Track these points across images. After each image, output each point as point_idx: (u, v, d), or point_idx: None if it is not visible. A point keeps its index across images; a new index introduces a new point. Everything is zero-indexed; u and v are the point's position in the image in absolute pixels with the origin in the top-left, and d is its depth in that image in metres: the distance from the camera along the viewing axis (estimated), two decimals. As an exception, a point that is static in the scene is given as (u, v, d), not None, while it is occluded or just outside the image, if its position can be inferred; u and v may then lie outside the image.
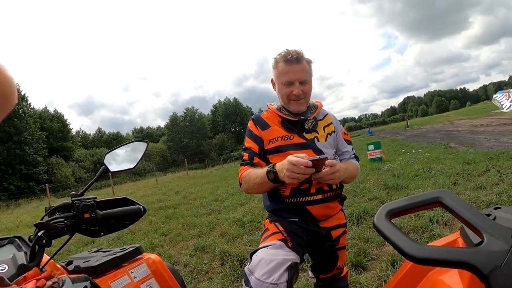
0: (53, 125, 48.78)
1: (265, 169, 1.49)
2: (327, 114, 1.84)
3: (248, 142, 1.74)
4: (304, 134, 1.69)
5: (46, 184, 21.27)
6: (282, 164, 1.38)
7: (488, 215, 0.77)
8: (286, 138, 1.66)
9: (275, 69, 1.71)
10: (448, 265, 0.55)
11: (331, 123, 1.80)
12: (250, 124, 1.78)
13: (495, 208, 0.83)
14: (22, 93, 42.66)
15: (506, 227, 0.59)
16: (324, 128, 1.75)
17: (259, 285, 1.28)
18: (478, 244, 0.59)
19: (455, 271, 0.76)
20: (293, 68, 1.63)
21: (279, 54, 1.70)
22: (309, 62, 1.70)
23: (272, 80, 1.78)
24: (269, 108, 1.80)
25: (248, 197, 8.14)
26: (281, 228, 1.59)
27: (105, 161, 1.28)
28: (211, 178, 18.78)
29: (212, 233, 5.44)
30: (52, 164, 42.88)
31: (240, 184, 1.70)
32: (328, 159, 1.40)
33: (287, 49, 1.68)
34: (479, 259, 0.53)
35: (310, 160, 1.28)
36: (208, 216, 7.04)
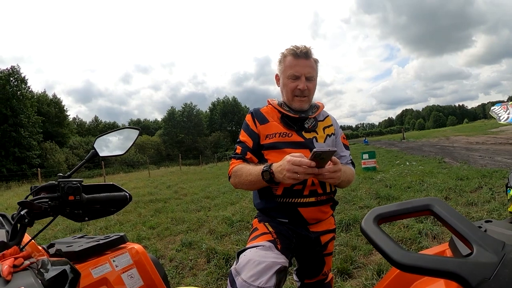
0: (50, 110, 48.77)
1: (260, 167, 1.45)
2: (328, 116, 1.81)
3: (243, 136, 1.69)
4: (303, 133, 1.65)
5: (38, 169, 21.09)
6: (281, 165, 1.33)
7: (479, 227, 0.76)
8: (284, 135, 1.62)
9: (281, 63, 1.68)
10: (435, 275, 0.54)
11: (331, 125, 1.77)
12: (248, 118, 1.73)
13: (486, 221, 0.82)
14: (22, 75, 42.49)
15: (497, 239, 0.58)
16: (324, 129, 1.72)
17: (246, 287, 1.24)
18: (467, 255, 0.58)
19: (441, 282, 0.75)
20: (301, 63, 1.61)
21: (287, 49, 1.67)
22: (316, 61, 1.68)
23: (276, 76, 1.75)
24: (269, 103, 1.76)
25: (238, 196, 8.14)
26: (270, 229, 1.55)
27: (95, 145, 1.26)
28: (204, 175, 18.75)
29: (200, 230, 5.42)
30: (46, 149, 42.72)
31: (229, 177, 1.66)
32: (334, 154, 1.35)
33: (295, 45, 1.65)
34: (468, 270, 0.51)
35: (318, 152, 1.22)
36: (197, 212, 7.03)
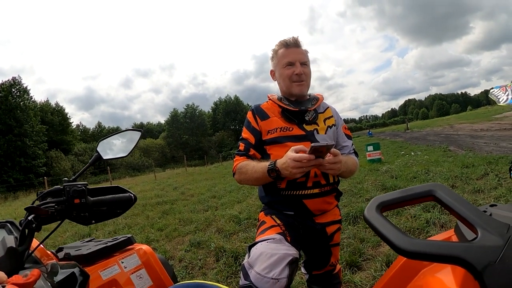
0: (54, 119, 49.11)
1: (265, 165, 1.49)
2: (328, 107, 1.83)
3: (245, 133, 1.73)
4: (304, 125, 1.67)
5: (45, 177, 21.18)
6: (285, 163, 1.36)
7: (484, 211, 0.76)
8: (285, 130, 1.65)
9: (274, 58, 1.76)
10: (440, 260, 0.54)
11: (332, 116, 1.79)
12: (249, 115, 1.77)
13: (491, 206, 0.82)
14: (24, 85, 42.78)
15: (501, 222, 0.58)
16: (324, 120, 1.74)
17: (259, 279, 1.26)
18: (472, 240, 0.57)
19: (448, 268, 0.74)
20: (293, 51, 1.70)
21: (276, 44, 1.76)
22: (306, 50, 1.75)
23: (271, 71, 1.81)
24: (269, 99, 1.79)
25: (245, 194, 8.17)
26: (278, 221, 1.57)
27: (98, 149, 1.27)
28: (209, 175, 18.76)
29: (208, 229, 5.43)
30: (52, 158, 43.01)
31: (234, 174, 1.70)
32: (333, 147, 1.38)
33: (283, 39, 1.73)
34: (473, 254, 0.51)
35: (316, 146, 1.26)
36: (205, 212, 7.03)
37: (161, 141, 66.87)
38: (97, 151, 1.26)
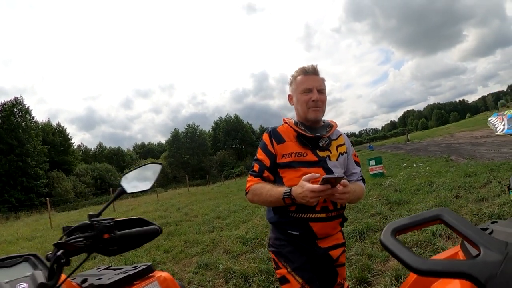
0: (55, 139, 49.18)
1: (280, 191, 1.59)
2: (341, 134, 1.91)
3: (260, 154, 1.80)
4: (318, 151, 1.74)
5: (47, 198, 21.00)
6: (302, 193, 1.46)
7: (486, 229, 0.83)
8: (299, 155, 1.72)
9: (293, 84, 1.84)
10: (449, 276, 0.61)
11: (343, 143, 1.87)
12: (265, 137, 1.83)
13: (492, 222, 0.90)
14: (26, 105, 43.13)
15: (500, 240, 0.65)
16: (337, 147, 1.82)
17: None
18: (476, 256, 0.65)
19: (456, 282, 0.81)
20: (311, 78, 1.78)
21: (296, 71, 1.84)
22: (323, 78, 1.83)
23: (289, 96, 1.89)
24: (285, 122, 1.86)
25: (250, 214, 8.19)
26: (301, 281, 1.63)
27: (122, 183, 1.33)
28: (212, 194, 18.76)
29: (215, 251, 5.45)
30: (53, 178, 42.87)
31: (246, 193, 1.78)
32: (344, 180, 1.47)
33: (303, 66, 1.83)
34: (477, 269, 0.58)
35: (328, 178, 1.38)
36: (210, 233, 7.04)
37: (162, 161, 66.60)
38: (120, 185, 1.32)
